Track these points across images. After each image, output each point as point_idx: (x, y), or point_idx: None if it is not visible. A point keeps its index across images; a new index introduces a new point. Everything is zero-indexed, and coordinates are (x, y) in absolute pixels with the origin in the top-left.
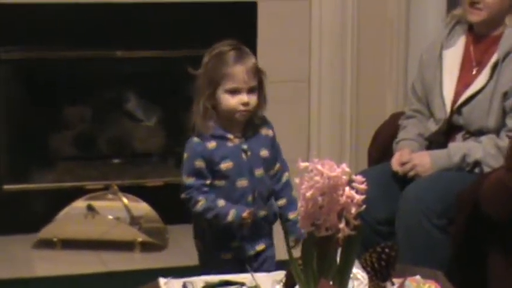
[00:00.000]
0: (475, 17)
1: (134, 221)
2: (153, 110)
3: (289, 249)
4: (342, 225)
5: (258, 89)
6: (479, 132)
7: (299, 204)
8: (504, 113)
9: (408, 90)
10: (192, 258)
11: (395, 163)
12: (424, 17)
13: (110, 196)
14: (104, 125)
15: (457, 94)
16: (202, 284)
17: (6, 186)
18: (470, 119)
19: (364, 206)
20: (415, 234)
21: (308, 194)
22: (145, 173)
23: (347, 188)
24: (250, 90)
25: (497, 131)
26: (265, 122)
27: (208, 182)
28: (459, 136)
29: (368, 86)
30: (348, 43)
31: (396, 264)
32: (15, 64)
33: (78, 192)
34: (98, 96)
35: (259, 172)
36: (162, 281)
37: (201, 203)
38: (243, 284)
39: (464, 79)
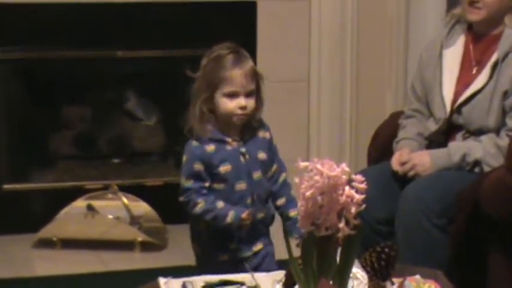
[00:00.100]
0: (475, 16)
1: (134, 220)
2: (153, 110)
3: (289, 248)
4: (341, 224)
5: (256, 92)
6: (479, 132)
7: (299, 204)
8: (504, 113)
9: (408, 89)
10: (191, 258)
11: (395, 163)
12: (423, 17)
13: (110, 196)
14: (103, 124)
15: (457, 93)
16: (201, 284)
17: (6, 186)
18: (470, 118)
19: (363, 206)
20: (414, 233)
21: (308, 193)
22: (145, 173)
23: (347, 188)
24: (248, 94)
25: (497, 131)
26: (262, 125)
27: (207, 184)
28: (459, 135)
29: (368, 86)
30: (348, 43)
31: (396, 263)
32: (15, 64)
33: (78, 192)
34: (98, 96)
35: (257, 175)
36: (161, 280)
37: (200, 205)
38: (242, 283)
39: (464, 78)
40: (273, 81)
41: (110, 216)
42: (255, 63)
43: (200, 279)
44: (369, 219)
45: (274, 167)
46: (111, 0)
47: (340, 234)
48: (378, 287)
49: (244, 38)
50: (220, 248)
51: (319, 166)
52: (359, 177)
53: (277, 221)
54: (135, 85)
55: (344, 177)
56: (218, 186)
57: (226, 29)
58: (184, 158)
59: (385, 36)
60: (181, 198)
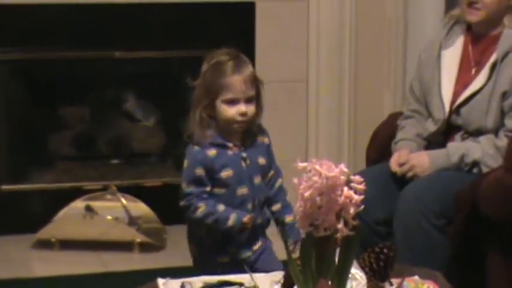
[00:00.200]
0: (473, 17)
1: (133, 221)
2: (152, 111)
3: (288, 250)
4: (340, 225)
5: (256, 97)
6: (477, 132)
7: (297, 204)
8: (503, 113)
9: (406, 90)
10: (190, 259)
11: (393, 163)
12: (422, 17)
13: (109, 196)
14: (103, 125)
15: (456, 94)
16: (200, 284)
17: (4, 187)
18: (469, 119)
19: (362, 206)
20: (413, 234)
21: (306, 194)
22: (144, 174)
23: (345, 188)
24: (248, 100)
25: (495, 131)
26: (261, 130)
27: (208, 189)
28: (458, 136)
29: (366, 86)
30: (346, 43)
31: (394, 264)
32: (15, 64)
33: (77, 193)
34: (97, 96)
35: (257, 180)
36: (160, 281)
37: (201, 209)
38: (241, 284)
39: (463, 79)
40: (271, 81)
41: (109, 217)
42: (254, 63)
43: (199, 280)
44: (367, 219)
45: (271, 172)
46: (111, 1)
47: (338, 235)
48: (377, 287)
49: (243, 38)
50: (221, 250)
51: (317, 167)
52: (358, 177)
53: (272, 223)
54: (135, 86)
55: (343, 177)
56: (219, 191)
57: (225, 29)
58: (185, 162)
59: (384, 37)
60: (182, 203)
